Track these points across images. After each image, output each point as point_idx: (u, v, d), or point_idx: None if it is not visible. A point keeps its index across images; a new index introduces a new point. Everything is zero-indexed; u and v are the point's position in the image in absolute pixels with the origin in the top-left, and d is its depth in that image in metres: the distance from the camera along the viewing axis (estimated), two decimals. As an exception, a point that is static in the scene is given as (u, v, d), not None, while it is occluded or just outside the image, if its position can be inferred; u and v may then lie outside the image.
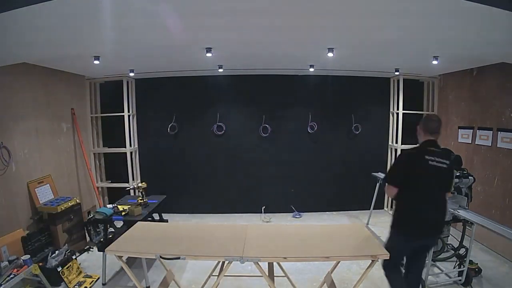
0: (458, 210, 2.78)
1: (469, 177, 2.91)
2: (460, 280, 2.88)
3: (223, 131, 5.00)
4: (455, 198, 2.89)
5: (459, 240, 3.18)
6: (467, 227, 2.91)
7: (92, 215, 3.62)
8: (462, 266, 3.10)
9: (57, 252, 3.15)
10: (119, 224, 3.40)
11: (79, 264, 3.26)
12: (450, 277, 3.01)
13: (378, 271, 3.21)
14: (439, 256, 3.24)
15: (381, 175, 4.38)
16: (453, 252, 3.27)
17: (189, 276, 3.22)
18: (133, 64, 4.12)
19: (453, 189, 2.39)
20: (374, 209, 4.49)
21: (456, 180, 2.84)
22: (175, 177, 5.11)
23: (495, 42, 2.64)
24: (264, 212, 4.81)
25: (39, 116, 3.75)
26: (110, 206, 3.44)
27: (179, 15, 2.15)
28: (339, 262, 2.38)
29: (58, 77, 4.08)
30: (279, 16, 2.19)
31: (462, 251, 3.14)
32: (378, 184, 4.38)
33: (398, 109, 4.87)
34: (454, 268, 3.11)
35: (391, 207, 5.10)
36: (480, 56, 3.40)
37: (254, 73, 4.76)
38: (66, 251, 3.16)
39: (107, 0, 1.84)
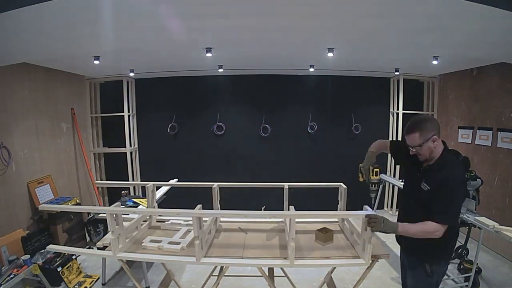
0: (467, 215, 2.67)
1: (477, 179, 2.78)
2: (466, 286, 2.83)
3: (223, 131, 5.00)
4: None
5: (464, 242, 3.16)
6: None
7: (92, 215, 3.62)
8: (462, 265, 3.10)
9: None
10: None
11: (79, 264, 3.26)
12: (456, 283, 2.99)
13: (378, 271, 3.23)
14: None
15: (384, 177, 4.37)
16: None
17: (189, 276, 3.22)
18: (133, 64, 4.12)
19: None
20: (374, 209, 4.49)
21: None
22: (175, 177, 5.10)
23: (495, 42, 2.64)
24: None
25: (39, 116, 3.75)
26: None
27: (179, 16, 2.15)
28: (339, 262, 2.37)
29: (58, 77, 4.07)
30: (279, 17, 2.19)
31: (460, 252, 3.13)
32: (381, 186, 4.36)
33: (398, 109, 4.87)
34: (458, 270, 3.10)
35: (391, 207, 5.10)
36: (480, 56, 3.40)
37: (254, 73, 4.75)
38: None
39: (107, 0, 1.84)
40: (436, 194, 1.61)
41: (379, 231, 1.61)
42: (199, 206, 1.87)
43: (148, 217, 2.30)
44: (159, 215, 2.39)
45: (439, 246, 1.67)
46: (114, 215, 1.77)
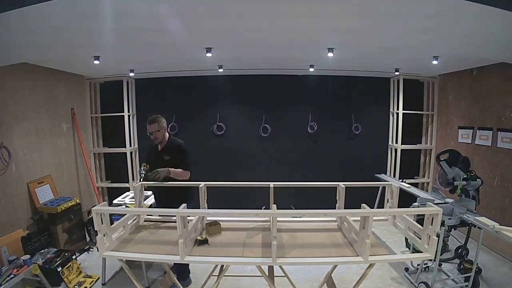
0: (467, 215, 2.67)
1: (477, 179, 2.81)
2: (466, 286, 2.83)
3: (223, 131, 5.00)
4: (463, 201, 2.80)
5: (464, 242, 3.16)
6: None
7: (92, 215, 3.62)
8: (462, 266, 3.10)
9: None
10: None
11: (79, 264, 3.26)
12: (456, 283, 2.99)
13: (378, 271, 3.23)
14: (440, 256, 3.23)
15: (384, 177, 4.37)
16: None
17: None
18: (133, 64, 4.12)
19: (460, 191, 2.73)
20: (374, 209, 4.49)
21: (464, 182, 2.79)
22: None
23: (495, 42, 2.64)
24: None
25: (39, 116, 3.75)
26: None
27: (179, 15, 2.15)
28: (339, 262, 2.38)
29: (58, 77, 4.08)
30: (279, 16, 2.19)
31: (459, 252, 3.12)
32: (381, 186, 4.37)
33: (398, 109, 4.87)
34: (458, 270, 3.11)
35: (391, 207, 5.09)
36: (480, 56, 3.39)
37: (254, 73, 4.75)
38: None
39: (108, 0, 1.84)
40: (178, 156, 2.83)
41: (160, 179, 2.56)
42: (184, 205, 1.89)
43: (136, 217, 2.30)
44: (148, 215, 2.40)
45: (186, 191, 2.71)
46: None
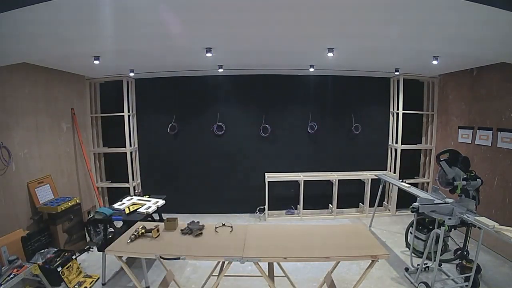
0: (467, 215, 2.64)
1: (477, 179, 2.81)
2: (466, 286, 2.81)
3: (223, 131, 5.00)
4: (463, 201, 2.78)
5: (463, 243, 3.16)
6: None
7: (92, 215, 3.62)
8: (462, 266, 3.10)
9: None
10: (118, 224, 3.40)
11: (79, 264, 3.26)
12: (456, 283, 2.99)
13: (378, 271, 3.23)
14: (440, 257, 3.22)
15: (384, 176, 4.37)
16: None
17: (189, 276, 3.22)
18: (133, 64, 4.12)
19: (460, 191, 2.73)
20: (373, 208, 4.49)
21: (464, 182, 2.79)
22: (175, 177, 5.11)
23: (495, 42, 2.64)
24: (263, 212, 4.83)
25: (39, 116, 3.75)
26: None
27: (179, 15, 2.15)
28: (339, 262, 2.38)
29: (58, 77, 4.08)
30: (279, 16, 2.19)
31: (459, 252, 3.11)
32: (381, 186, 4.37)
33: (398, 109, 4.87)
34: (457, 270, 3.11)
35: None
36: (480, 56, 3.40)
37: (254, 73, 4.76)
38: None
39: (107, 0, 1.84)
40: None
41: None
42: None
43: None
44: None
45: None
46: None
